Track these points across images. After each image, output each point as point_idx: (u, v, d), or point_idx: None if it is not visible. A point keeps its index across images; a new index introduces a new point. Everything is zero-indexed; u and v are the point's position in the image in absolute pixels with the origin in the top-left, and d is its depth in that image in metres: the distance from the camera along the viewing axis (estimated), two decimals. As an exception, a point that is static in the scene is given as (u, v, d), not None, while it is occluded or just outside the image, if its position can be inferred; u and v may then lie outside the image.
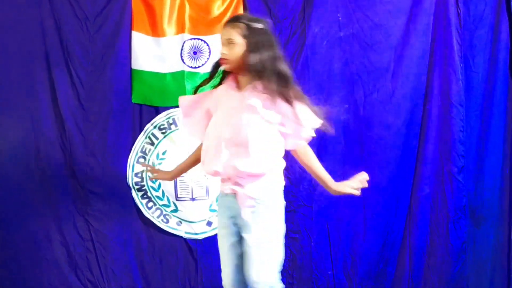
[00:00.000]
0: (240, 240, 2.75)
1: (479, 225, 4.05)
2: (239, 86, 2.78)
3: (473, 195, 4.05)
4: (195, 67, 4.02)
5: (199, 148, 2.91)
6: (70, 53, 3.94)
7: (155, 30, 3.99)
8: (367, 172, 3.91)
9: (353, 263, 4.03)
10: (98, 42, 3.96)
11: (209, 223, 4.00)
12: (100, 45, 3.95)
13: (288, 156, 3.93)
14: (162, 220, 3.98)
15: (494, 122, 4.04)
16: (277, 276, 2.76)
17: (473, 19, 4.02)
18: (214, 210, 3.99)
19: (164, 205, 3.98)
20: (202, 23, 4.04)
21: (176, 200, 3.97)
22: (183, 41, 4.00)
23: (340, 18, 4.04)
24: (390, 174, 4.02)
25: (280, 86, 2.67)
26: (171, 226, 3.99)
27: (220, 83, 2.83)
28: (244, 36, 2.72)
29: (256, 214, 2.70)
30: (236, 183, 2.71)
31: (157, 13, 3.99)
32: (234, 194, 2.72)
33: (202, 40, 4.03)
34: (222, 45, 2.74)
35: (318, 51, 4.04)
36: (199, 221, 3.99)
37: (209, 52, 4.02)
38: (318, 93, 4.02)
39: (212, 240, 3.98)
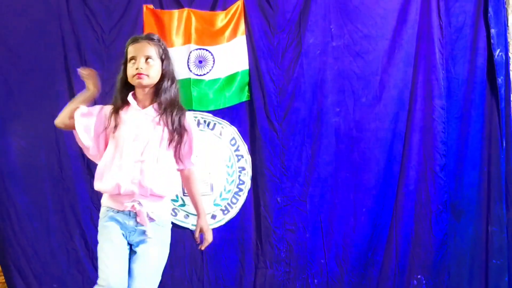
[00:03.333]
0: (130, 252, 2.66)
1: (459, 219, 4.11)
2: (139, 103, 2.67)
3: (454, 191, 4.10)
4: (201, 75, 4.15)
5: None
6: (87, 62, 4.05)
7: (165, 41, 3.88)
8: (356, 169, 4.07)
9: (344, 252, 4.12)
10: (112, 52, 4.08)
11: (213, 216, 4.13)
12: (114, 55, 4.05)
13: (286, 155, 4.08)
14: (171, 213, 3.85)
15: (473, 123, 4.10)
16: None
17: (454, 30, 4.09)
18: (218, 205, 4.14)
19: (172, 200, 4.09)
20: (207, 35, 4.15)
21: (184, 195, 4.08)
22: (190, 51, 4.13)
23: (332, 30, 4.15)
24: (378, 171, 4.11)
25: (180, 115, 2.68)
26: (179, 219, 4.12)
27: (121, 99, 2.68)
28: (161, 58, 2.67)
29: (154, 233, 2.63)
30: (136, 201, 2.60)
31: (166, 25, 4.11)
32: (131, 212, 2.60)
33: (206, 50, 4.15)
34: (139, 59, 2.61)
35: (313, 59, 4.15)
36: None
37: (213, 61, 4.15)
38: (312, 97, 4.16)
39: (216, 232, 4.06)
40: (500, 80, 4.06)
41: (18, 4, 4.10)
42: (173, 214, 4.14)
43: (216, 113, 4.18)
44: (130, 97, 2.69)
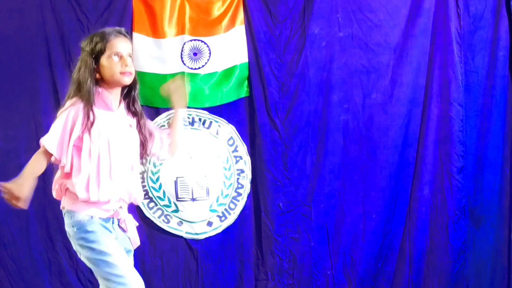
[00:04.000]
0: None
1: (479, 226, 4.07)
2: (109, 104, 2.61)
3: (473, 195, 4.07)
4: (195, 68, 4.08)
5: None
6: (72, 55, 3.95)
7: (156, 31, 4.06)
8: (366, 172, 4.05)
9: (353, 262, 4.07)
10: None
11: (209, 223, 4.06)
12: None
13: (289, 156, 4.06)
14: (163, 220, 4.03)
15: (494, 122, 4.06)
16: None
17: (472, 19, 4.06)
18: (214, 211, 4.07)
19: (165, 205, 4.03)
20: (202, 24, 4.11)
21: (177, 200, 4.03)
22: (183, 43, 4.07)
23: (339, 19, 4.09)
24: (389, 174, 4.06)
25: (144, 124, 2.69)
26: (172, 226, 4.05)
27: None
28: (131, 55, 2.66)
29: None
30: (121, 208, 2.60)
31: (157, 14, 4.06)
32: (114, 218, 2.58)
33: (202, 41, 4.09)
34: (126, 56, 2.57)
35: (318, 51, 4.09)
36: (200, 221, 4.04)
37: (209, 53, 4.09)
38: (317, 93, 4.13)
39: (212, 240, 4.08)
40: (523, 74, 4.06)
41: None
42: (165, 221, 4.09)
43: (213, 110, 4.13)
44: (107, 95, 2.60)
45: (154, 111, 3.99)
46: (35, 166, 2.63)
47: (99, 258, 2.49)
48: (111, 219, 2.56)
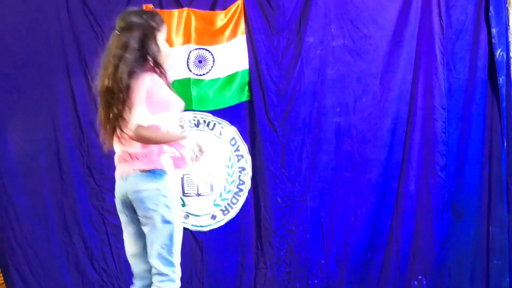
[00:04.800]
0: None
1: (460, 219, 4.11)
2: None
3: (455, 191, 4.11)
4: (200, 75, 4.14)
5: None
6: (87, 63, 4.07)
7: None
8: (357, 169, 4.08)
9: (344, 253, 4.13)
10: None
11: (213, 217, 4.16)
12: None
13: (286, 155, 4.11)
14: None
15: (474, 123, 4.10)
16: None
17: (454, 29, 4.08)
18: (218, 205, 4.16)
19: None
20: (207, 34, 4.15)
21: (183, 195, 4.11)
22: (189, 51, 4.13)
23: (332, 30, 4.14)
24: (378, 171, 4.11)
25: None
26: None
27: None
28: None
29: None
30: None
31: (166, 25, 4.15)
32: None
33: (206, 49, 4.15)
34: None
35: (313, 59, 4.15)
36: (204, 214, 4.14)
37: (213, 60, 4.15)
38: (312, 97, 4.15)
39: (216, 232, 4.16)
40: (501, 79, 4.05)
41: (17, 3, 4.11)
42: None
43: (216, 113, 4.18)
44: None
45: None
46: None
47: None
48: None
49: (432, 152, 4.10)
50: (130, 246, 2.73)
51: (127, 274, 4.08)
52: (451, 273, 4.12)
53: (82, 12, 4.13)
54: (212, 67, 4.15)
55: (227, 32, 4.18)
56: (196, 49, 4.15)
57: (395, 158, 4.15)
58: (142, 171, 2.59)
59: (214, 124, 4.20)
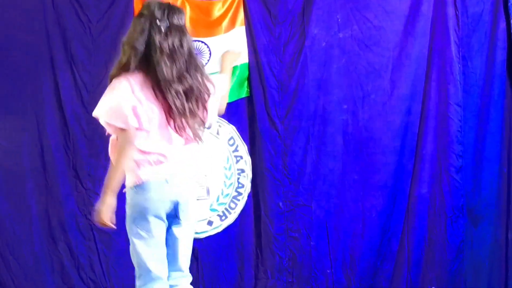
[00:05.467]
0: None
1: (477, 224, 4.09)
2: None
3: (471, 194, 4.08)
4: None
5: None
6: (73, 56, 4.03)
7: None
8: (365, 171, 4.07)
9: (352, 261, 4.09)
10: (101, 45, 4.05)
11: (209, 223, 4.09)
12: (103, 48, 4.02)
13: (288, 156, 4.08)
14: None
15: (492, 122, 4.08)
16: None
17: (471, 20, 4.07)
18: (215, 210, 4.10)
19: None
20: (203, 25, 4.12)
21: None
22: None
23: (339, 20, 4.10)
24: (388, 173, 4.08)
25: None
26: None
27: None
28: None
29: None
30: None
31: None
32: None
33: (202, 42, 4.10)
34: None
35: (318, 52, 4.11)
36: (200, 220, 4.04)
37: (210, 53, 4.10)
38: (317, 93, 4.10)
39: (213, 240, 4.08)
40: (521, 74, 4.08)
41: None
42: None
43: None
44: None
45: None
46: None
47: None
48: None
49: (446, 152, 4.07)
50: (163, 254, 2.65)
51: (117, 284, 4.06)
52: (466, 283, 4.10)
53: (68, 1, 4.10)
54: (208, 60, 4.08)
55: (225, 23, 4.16)
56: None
57: (407, 159, 4.12)
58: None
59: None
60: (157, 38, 2.53)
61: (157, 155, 2.59)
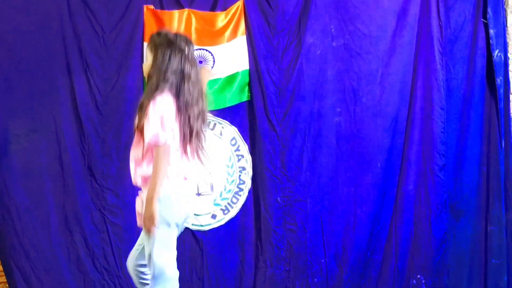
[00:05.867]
0: None
1: (459, 218, 4.14)
2: None
3: (453, 191, 4.13)
4: None
5: None
6: (88, 63, 4.08)
7: None
8: (357, 169, 4.09)
9: (344, 252, 4.14)
10: (113, 53, 4.10)
11: (213, 216, 4.16)
12: (115, 56, 4.09)
13: (286, 155, 4.12)
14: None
15: (473, 124, 4.13)
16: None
17: (453, 30, 4.12)
18: (218, 204, 4.16)
19: None
20: (207, 35, 4.16)
21: None
22: None
23: (332, 30, 4.17)
24: (378, 171, 4.13)
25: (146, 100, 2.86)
26: None
27: None
28: (152, 52, 2.83)
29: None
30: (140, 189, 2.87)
31: (166, 26, 4.08)
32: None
33: (207, 50, 4.15)
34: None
35: (313, 59, 4.16)
36: (205, 214, 4.14)
37: (214, 61, 4.15)
38: (312, 97, 4.17)
39: (216, 232, 4.16)
40: (499, 80, 4.08)
41: (19, 3, 4.10)
42: None
43: (217, 113, 4.16)
44: None
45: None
46: None
47: None
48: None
49: (431, 152, 4.12)
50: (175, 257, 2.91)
51: (128, 273, 3.95)
52: (449, 272, 4.13)
53: (83, 12, 4.13)
54: (212, 67, 4.14)
55: (227, 33, 4.20)
56: (197, 49, 4.12)
57: (395, 158, 4.16)
58: None
59: (215, 124, 4.21)
60: (186, 68, 2.74)
61: (183, 170, 2.78)
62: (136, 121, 2.85)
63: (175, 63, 2.79)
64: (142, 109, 2.80)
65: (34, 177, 4.12)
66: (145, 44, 2.70)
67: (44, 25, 4.11)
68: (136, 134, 2.88)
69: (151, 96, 2.78)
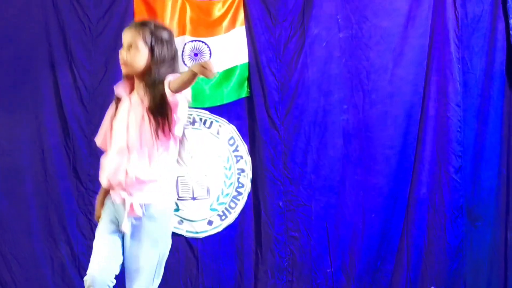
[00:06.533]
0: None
1: (476, 225, 4.10)
2: (132, 90, 2.66)
3: (470, 194, 4.10)
4: None
5: None
6: (73, 55, 4.03)
7: None
8: (366, 172, 4.08)
9: (351, 261, 4.10)
10: (100, 45, 4.06)
11: (209, 222, 4.09)
12: (102, 48, 4.03)
13: (288, 156, 4.09)
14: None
15: (491, 122, 4.10)
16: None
17: (470, 21, 4.09)
18: (215, 210, 4.09)
19: None
20: (203, 25, 4.12)
21: (178, 199, 4.01)
22: (184, 43, 4.07)
23: (339, 20, 4.11)
24: (388, 174, 4.09)
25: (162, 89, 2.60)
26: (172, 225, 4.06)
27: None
28: (150, 44, 2.61)
29: (143, 227, 2.54)
30: (125, 190, 2.56)
31: (158, 15, 4.06)
32: (123, 202, 2.56)
33: (202, 42, 4.11)
34: (122, 49, 2.61)
35: (318, 52, 4.11)
36: (200, 220, 4.07)
37: (210, 53, 4.11)
38: (317, 93, 4.11)
39: (213, 239, 4.08)
40: (520, 74, 4.09)
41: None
42: None
43: (213, 110, 4.14)
44: (116, 86, 2.69)
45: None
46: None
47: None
48: (121, 203, 2.54)
49: (446, 153, 4.09)
50: None
51: (117, 283, 3.96)
52: (466, 283, 4.10)
53: (68, 1, 4.10)
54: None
55: (225, 23, 4.15)
56: (192, 41, 4.11)
57: (407, 159, 4.14)
58: None
59: (211, 122, 4.16)
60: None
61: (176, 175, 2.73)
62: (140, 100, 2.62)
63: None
64: (154, 87, 2.58)
65: (15, 179, 4.07)
66: (137, 35, 2.54)
67: (25, 15, 4.05)
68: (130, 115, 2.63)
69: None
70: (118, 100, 2.67)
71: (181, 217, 4.06)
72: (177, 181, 4.00)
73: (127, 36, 2.63)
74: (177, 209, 4.03)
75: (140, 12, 4.04)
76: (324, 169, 4.11)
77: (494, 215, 4.10)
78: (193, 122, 4.09)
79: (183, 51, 4.08)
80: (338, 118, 4.10)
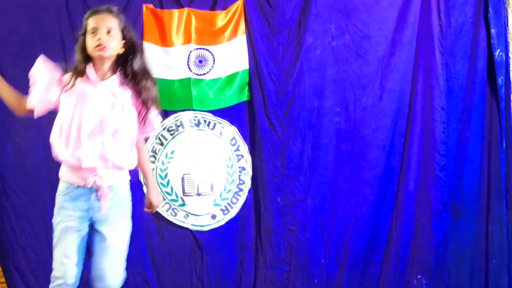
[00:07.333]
0: (89, 232, 2.67)
1: (459, 218, 4.13)
2: (98, 74, 2.66)
3: (454, 190, 4.12)
4: (201, 74, 4.13)
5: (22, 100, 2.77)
6: None
7: (164, 40, 4.09)
8: (357, 169, 4.11)
9: (344, 252, 4.14)
10: None
11: (213, 216, 4.14)
12: None
13: (286, 155, 4.11)
14: (170, 213, 4.11)
15: (473, 124, 4.12)
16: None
17: (454, 29, 4.11)
18: (218, 205, 4.14)
19: (172, 200, 4.11)
20: (207, 34, 4.14)
21: (184, 195, 4.10)
22: (190, 51, 4.11)
23: (332, 30, 4.16)
24: (378, 171, 4.13)
25: (147, 91, 2.68)
26: (179, 219, 4.12)
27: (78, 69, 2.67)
28: (121, 30, 2.65)
29: (116, 208, 2.63)
30: (98, 175, 2.58)
31: (166, 25, 4.09)
32: (92, 187, 2.59)
33: (207, 49, 4.14)
34: (100, 33, 2.58)
35: (313, 59, 4.16)
36: (204, 214, 4.13)
37: (213, 60, 4.14)
38: (312, 97, 4.17)
39: (216, 232, 4.14)
40: (500, 80, 4.07)
41: (16, 2, 4.08)
42: (173, 214, 4.15)
43: (216, 112, 4.17)
44: (89, 69, 2.69)
45: (163, 113, 3.81)
46: None
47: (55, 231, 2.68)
48: (90, 188, 2.60)
49: (431, 152, 4.12)
50: None
51: (127, 272, 3.97)
52: (450, 272, 4.14)
53: (81, 11, 4.01)
54: (212, 67, 4.15)
55: (227, 32, 4.19)
56: (197, 49, 4.14)
57: (395, 158, 4.16)
58: None
59: (215, 124, 4.20)
60: None
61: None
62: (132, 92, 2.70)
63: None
64: (144, 79, 2.69)
65: (32, 176, 4.08)
66: (115, 21, 2.64)
67: (41, 24, 4.06)
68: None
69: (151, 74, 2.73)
70: (79, 74, 2.65)
71: (187, 212, 4.10)
72: (183, 178, 4.06)
73: (104, 20, 2.62)
74: (183, 204, 4.08)
75: (149, 22, 4.07)
76: (319, 167, 4.15)
77: (476, 209, 4.11)
78: (198, 124, 4.13)
79: (188, 58, 4.09)
80: (332, 120, 4.14)
